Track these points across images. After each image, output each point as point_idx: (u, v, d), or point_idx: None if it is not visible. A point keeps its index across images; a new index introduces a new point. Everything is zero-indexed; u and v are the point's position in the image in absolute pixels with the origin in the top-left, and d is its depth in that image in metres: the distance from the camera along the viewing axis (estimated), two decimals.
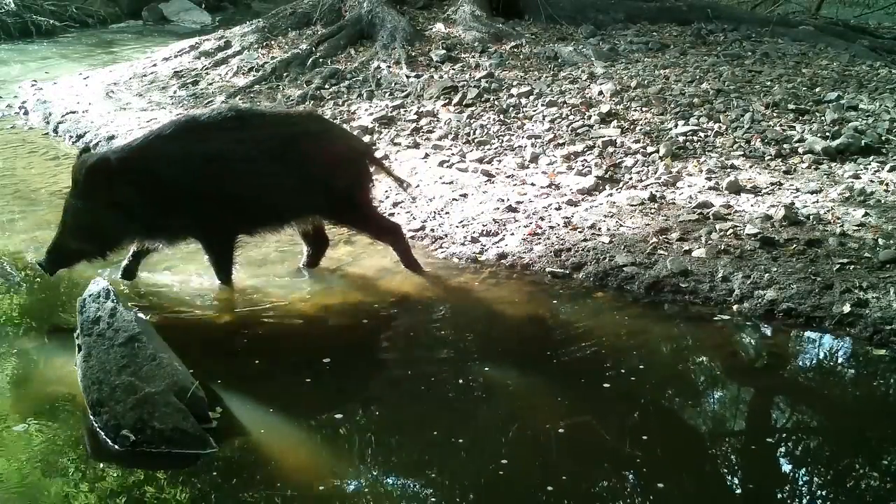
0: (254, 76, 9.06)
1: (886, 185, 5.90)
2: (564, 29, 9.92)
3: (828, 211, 5.53)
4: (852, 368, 4.40)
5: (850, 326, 4.44)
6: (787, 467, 3.59)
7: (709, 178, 6.13)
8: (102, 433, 3.48)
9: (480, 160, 6.66)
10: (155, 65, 10.23)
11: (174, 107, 8.49)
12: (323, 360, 4.19)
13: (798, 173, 6.22)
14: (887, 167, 6.15)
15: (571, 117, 7.20)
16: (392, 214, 5.97)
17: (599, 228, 5.49)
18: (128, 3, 16.30)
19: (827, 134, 6.70)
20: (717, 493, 3.44)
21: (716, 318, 4.63)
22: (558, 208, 5.82)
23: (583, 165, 6.44)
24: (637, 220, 5.57)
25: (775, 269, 4.86)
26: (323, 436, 3.67)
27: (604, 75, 8.14)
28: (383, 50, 9.13)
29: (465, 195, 6.10)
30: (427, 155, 6.84)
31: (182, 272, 5.11)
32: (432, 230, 5.71)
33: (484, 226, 5.65)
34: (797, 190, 5.93)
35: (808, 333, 4.55)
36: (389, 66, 8.72)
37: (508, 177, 6.39)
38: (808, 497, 3.42)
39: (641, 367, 4.20)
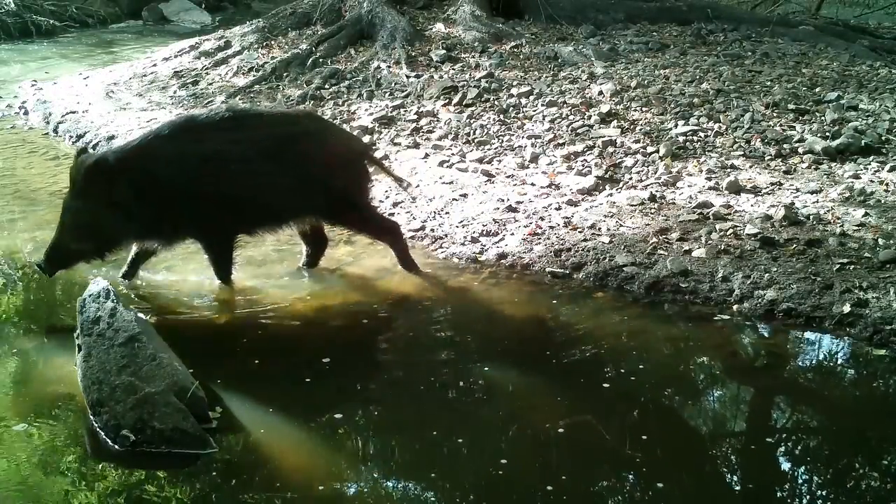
0: (254, 76, 9.06)
1: (886, 185, 5.90)
2: (564, 29, 9.92)
3: (828, 211, 5.53)
4: (852, 368, 4.40)
5: (850, 326, 4.44)
6: (786, 467, 3.59)
7: (709, 178, 6.13)
8: (102, 433, 3.48)
9: (480, 160, 6.66)
10: (155, 65, 10.23)
11: (174, 107, 8.49)
12: (323, 360, 4.19)
13: (798, 173, 6.22)
14: (887, 167, 6.15)
15: (571, 117, 7.20)
16: (392, 214, 5.97)
17: (599, 228, 5.49)
18: (128, 3, 16.31)
19: (827, 134, 6.70)
20: (717, 492, 3.44)
21: (716, 318, 4.63)
22: (558, 208, 5.82)
23: (583, 165, 6.44)
24: (637, 220, 5.57)
25: (775, 269, 4.86)
26: (323, 436, 3.67)
27: (604, 75, 8.14)
28: (383, 50, 9.13)
29: (465, 195, 6.10)
30: (427, 155, 6.84)
31: (181, 272, 5.11)
32: (432, 230, 5.71)
33: (484, 226, 5.65)
34: (797, 190, 5.93)
35: (808, 333, 4.55)
36: (389, 66, 8.72)
37: (508, 177, 6.39)
38: (807, 497, 3.42)
39: (641, 367, 4.20)
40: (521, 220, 5.69)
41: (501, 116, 7.38)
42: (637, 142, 6.72)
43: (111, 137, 7.70)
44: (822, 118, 7.04)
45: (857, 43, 9.58)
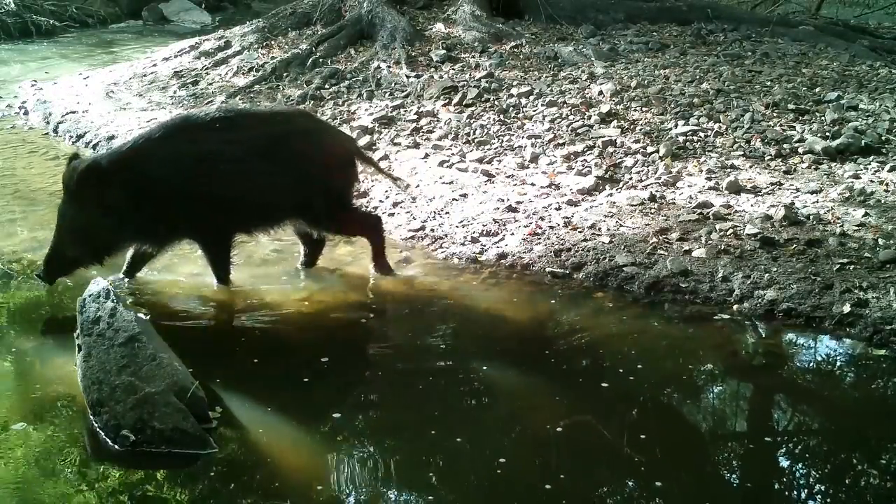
0: (254, 76, 9.06)
1: (886, 185, 5.90)
2: (564, 29, 9.92)
3: (828, 211, 5.53)
4: (852, 368, 4.40)
5: (850, 326, 4.44)
6: (786, 467, 3.59)
7: (709, 178, 6.13)
8: (102, 433, 3.48)
9: (480, 160, 6.66)
10: (155, 65, 10.24)
11: (174, 107, 8.49)
12: (322, 360, 4.19)
13: (798, 173, 6.22)
14: (887, 167, 6.15)
15: (571, 117, 7.20)
16: (392, 214, 5.98)
17: (599, 228, 5.49)
18: (128, 3, 16.31)
19: (827, 134, 6.70)
20: (717, 492, 3.44)
21: (716, 318, 4.63)
22: (558, 208, 5.82)
23: (583, 165, 6.44)
24: (637, 220, 5.58)
25: (775, 269, 4.86)
26: (322, 435, 3.67)
27: (604, 75, 8.14)
28: (383, 50, 9.13)
29: (465, 195, 6.10)
30: (427, 155, 6.84)
31: (181, 272, 5.11)
32: (432, 230, 5.71)
33: (484, 226, 5.65)
34: (797, 190, 5.93)
35: (808, 333, 4.55)
36: (389, 66, 8.72)
37: (508, 177, 6.39)
38: (807, 497, 3.42)
39: (641, 367, 4.20)
40: (521, 220, 5.69)
41: (501, 116, 7.38)
42: (637, 142, 6.72)
43: (111, 137, 7.70)
44: (822, 118, 7.04)
45: (857, 43, 9.58)
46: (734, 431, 3.95)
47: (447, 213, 5.90)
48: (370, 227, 5.14)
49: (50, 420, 3.68)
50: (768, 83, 7.89)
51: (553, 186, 6.17)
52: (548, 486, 3.30)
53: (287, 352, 4.34)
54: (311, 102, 8.17)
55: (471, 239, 5.52)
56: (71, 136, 8.14)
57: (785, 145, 6.59)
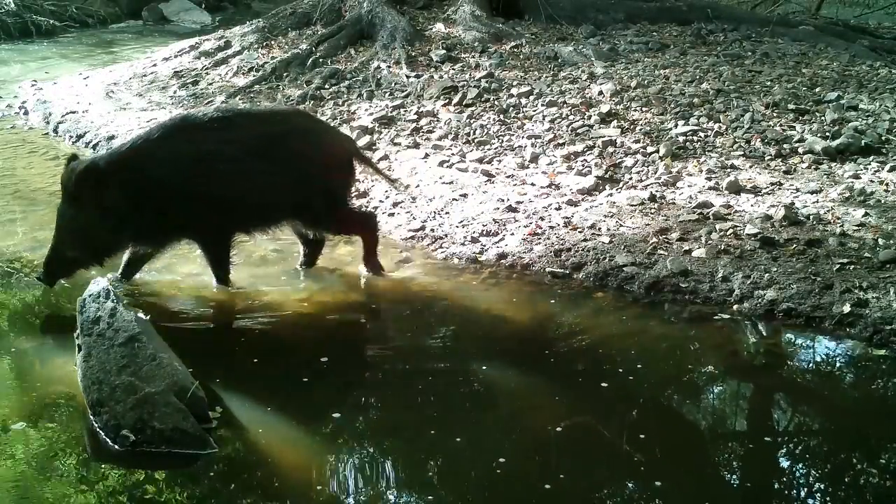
0: (254, 76, 9.06)
1: (886, 185, 5.90)
2: (564, 29, 9.93)
3: (828, 211, 5.53)
4: (852, 368, 4.40)
5: (850, 326, 4.44)
6: (786, 467, 3.59)
7: (709, 178, 6.13)
8: (102, 433, 3.48)
9: (480, 160, 6.66)
10: (155, 65, 10.24)
11: (174, 107, 8.49)
12: (321, 360, 4.19)
13: (798, 173, 6.22)
14: (887, 167, 6.15)
15: (571, 117, 7.20)
16: (392, 214, 5.98)
17: (599, 228, 5.49)
18: (128, 3, 16.32)
19: (827, 134, 6.70)
20: (717, 492, 3.44)
21: (716, 318, 4.63)
22: (558, 208, 5.82)
23: (583, 165, 6.44)
24: (637, 220, 5.58)
25: (775, 269, 4.86)
26: (322, 435, 3.67)
27: (604, 75, 8.14)
28: (383, 50, 9.13)
29: (465, 195, 6.10)
30: (427, 155, 6.84)
31: (180, 272, 5.11)
32: (432, 230, 5.71)
33: (484, 226, 5.65)
34: (797, 190, 5.93)
35: (808, 333, 4.54)
36: (389, 66, 8.72)
37: (508, 177, 6.39)
38: (807, 497, 3.42)
39: (641, 367, 4.20)
40: (521, 220, 5.69)
41: (501, 116, 7.38)
42: (637, 142, 6.72)
43: (111, 137, 7.70)
44: (822, 118, 7.04)
45: (857, 43, 9.58)
46: (734, 431, 3.95)
47: (447, 213, 5.90)
48: (366, 225, 5.14)
49: (50, 420, 3.68)
50: (768, 83, 7.89)
51: (553, 186, 6.17)
52: (547, 486, 3.30)
53: (287, 352, 4.35)
54: (311, 102, 8.17)
55: (471, 239, 5.52)
56: (71, 136, 8.14)
57: (785, 145, 6.59)
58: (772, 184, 6.02)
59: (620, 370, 4.15)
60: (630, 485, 3.42)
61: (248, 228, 4.92)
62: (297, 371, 4.08)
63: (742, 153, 6.53)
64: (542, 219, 5.68)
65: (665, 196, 5.90)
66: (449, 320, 4.70)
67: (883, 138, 6.64)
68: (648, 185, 6.06)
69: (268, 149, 4.61)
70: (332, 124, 7.51)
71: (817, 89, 7.72)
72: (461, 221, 5.75)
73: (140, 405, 3.45)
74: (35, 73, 10.99)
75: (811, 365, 4.45)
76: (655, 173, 6.24)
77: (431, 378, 4.12)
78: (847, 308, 4.49)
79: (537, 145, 6.82)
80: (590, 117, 7.16)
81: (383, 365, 4.37)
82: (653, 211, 5.70)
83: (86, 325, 3.77)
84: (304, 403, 3.86)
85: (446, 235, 5.62)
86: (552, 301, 4.86)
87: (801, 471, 3.57)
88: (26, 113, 9.06)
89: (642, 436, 3.62)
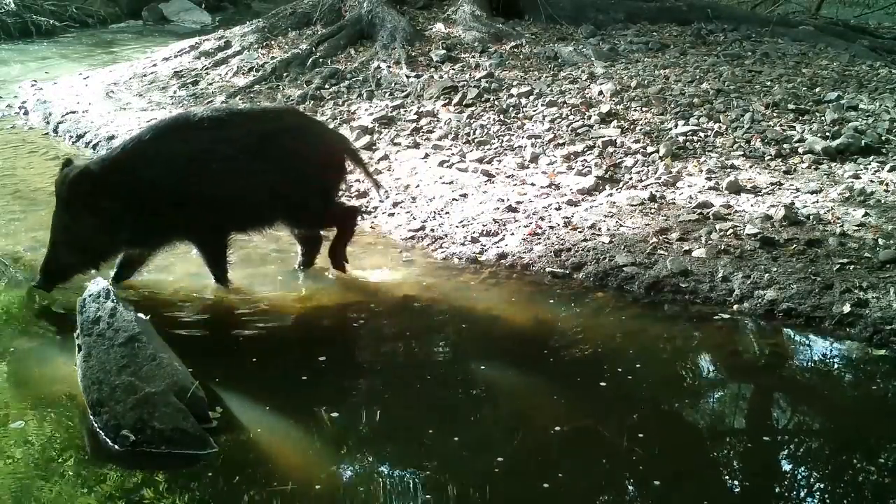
0: (254, 76, 9.07)
1: (886, 185, 5.90)
2: (564, 29, 9.93)
3: (828, 211, 5.53)
4: (852, 368, 4.39)
5: (850, 326, 4.44)
6: (786, 467, 3.59)
7: (709, 178, 6.13)
8: (102, 433, 3.48)
9: (480, 160, 6.66)
10: (155, 65, 10.24)
11: (174, 107, 8.49)
12: (321, 360, 4.19)
13: (798, 173, 6.22)
14: (887, 167, 6.15)
15: (571, 117, 7.21)
16: (392, 214, 5.98)
17: (599, 228, 5.49)
18: (128, 3, 16.32)
19: (827, 134, 6.71)
20: (717, 492, 3.43)
21: (716, 318, 4.63)
22: (558, 208, 5.82)
23: (583, 165, 6.44)
24: (637, 220, 5.58)
25: (775, 269, 4.86)
26: (322, 435, 3.67)
27: (604, 75, 8.14)
28: (383, 50, 9.13)
29: (465, 195, 6.10)
30: (427, 155, 6.84)
31: (180, 272, 5.10)
32: (432, 230, 5.71)
33: (484, 226, 5.65)
34: (797, 190, 5.93)
35: (808, 333, 4.55)
36: (389, 66, 8.72)
37: (508, 177, 6.39)
38: (807, 497, 3.42)
39: (641, 367, 4.20)
40: (521, 220, 5.69)
41: (501, 116, 7.38)
42: (637, 142, 6.72)
43: (111, 137, 7.70)
44: (822, 118, 7.04)
45: (857, 43, 9.59)
46: (734, 431, 3.94)
47: (447, 213, 5.90)
48: (350, 220, 5.14)
49: (50, 420, 3.68)
50: (768, 83, 7.89)
51: (553, 186, 6.17)
52: (546, 485, 3.30)
53: (286, 351, 4.35)
54: (311, 102, 8.17)
55: (471, 239, 5.52)
56: (71, 136, 8.13)
57: (785, 145, 6.59)
58: (772, 184, 6.03)
59: (620, 370, 4.15)
60: (629, 484, 3.42)
61: (243, 228, 4.92)
62: (296, 371, 4.08)
63: (742, 153, 6.53)
64: (542, 219, 5.68)
65: (665, 196, 5.90)
66: (448, 320, 4.69)
67: (883, 138, 6.65)
68: (648, 185, 6.06)
69: (260, 147, 4.61)
70: (329, 124, 7.54)
71: (817, 89, 7.72)
72: (461, 221, 5.75)
73: (140, 405, 3.45)
74: (35, 73, 10.99)
75: (811, 365, 4.45)
76: (655, 173, 6.24)
77: (430, 378, 4.13)
78: (847, 308, 4.49)
79: (537, 145, 6.82)
80: (590, 117, 7.16)
81: (382, 365, 4.37)
82: (653, 211, 5.70)
83: (86, 325, 3.77)
84: (304, 403, 3.86)
85: (446, 235, 5.62)
86: (552, 301, 4.86)
87: (800, 471, 3.57)
88: (26, 113, 9.06)
89: (641, 435, 3.62)
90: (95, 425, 3.52)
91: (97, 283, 4.00)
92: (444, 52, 9.01)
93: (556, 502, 3.26)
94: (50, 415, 3.71)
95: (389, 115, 7.61)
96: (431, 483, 3.42)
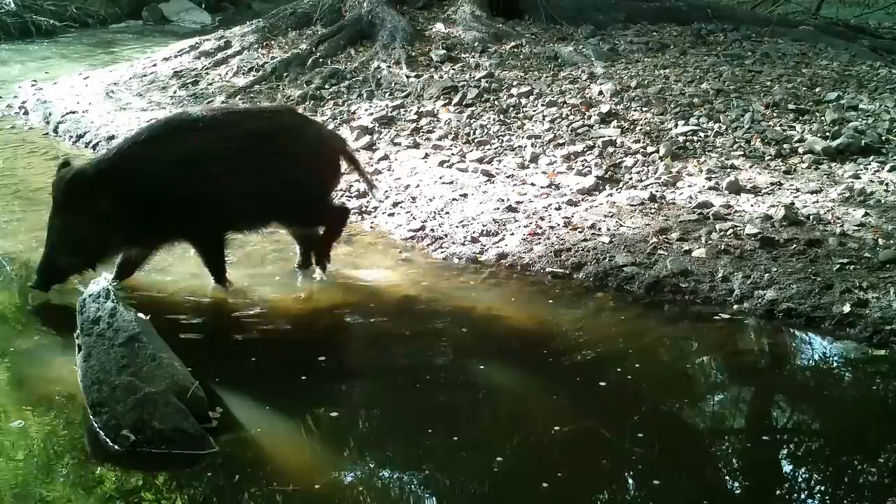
0: (254, 76, 9.06)
1: (886, 185, 5.90)
2: (564, 29, 9.92)
3: (828, 211, 5.53)
4: (852, 368, 4.40)
5: (850, 326, 4.44)
6: (786, 467, 3.59)
7: (709, 178, 6.13)
8: (102, 433, 3.47)
9: (480, 160, 6.66)
10: (155, 65, 10.23)
11: (174, 107, 8.48)
12: (321, 360, 4.20)
13: (798, 173, 6.22)
14: (887, 167, 6.16)
15: (571, 117, 7.21)
16: (392, 214, 5.98)
17: (599, 228, 5.49)
18: (128, 3, 16.30)
19: (827, 134, 6.71)
20: (716, 492, 3.44)
21: (716, 318, 4.63)
22: (558, 208, 5.82)
23: (583, 165, 6.44)
24: (637, 220, 5.58)
25: (775, 269, 4.86)
26: (322, 435, 3.67)
27: (604, 75, 8.14)
28: (383, 50, 9.12)
29: (465, 195, 6.10)
30: (427, 155, 6.84)
31: (180, 272, 5.10)
32: (432, 230, 5.70)
33: (484, 226, 5.65)
34: (797, 190, 5.93)
35: (808, 333, 4.55)
36: (389, 66, 8.72)
37: (508, 177, 6.39)
38: (806, 497, 3.42)
39: (641, 367, 4.20)
40: (521, 220, 5.69)
41: (501, 116, 7.38)
42: (637, 142, 6.73)
43: (111, 137, 7.69)
44: (822, 118, 7.04)
45: (857, 43, 9.59)
46: (734, 431, 3.94)
47: (447, 213, 5.90)
48: (340, 220, 5.15)
49: (50, 420, 3.68)
50: (768, 83, 7.89)
51: (553, 186, 6.17)
52: (545, 485, 3.30)
53: (286, 352, 4.34)
54: (311, 102, 8.17)
55: (471, 239, 5.52)
56: (71, 136, 8.13)
57: (785, 145, 6.59)
58: (772, 184, 6.03)
59: (620, 370, 4.15)
60: (628, 484, 3.42)
61: (239, 228, 4.92)
62: (296, 371, 4.08)
63: (742, 153, 6.53)
64: (542, 219, 5.68)
65: (665, 196, 5.90)
66: (448, 320, 4.69)
67: (883, 138, 6.65)
68: (648, 185, 6.06)
69: (256, 147, 4.61)
70: (329, 124, 7.55)
71: (817, 89, 7.72)
72: (461, 221, 5.75)
73: (140, 405, 3.45)
74: (35, 73, 10.98)
75: (811, 365, 4.45)
76: (655, 173, 6.24)
77: (430, 378, 4.13)
78: (847, 308, 4.49)
79: (537, 145, 6.82)
80: (590, 117, 7.16)
81: (382, 365, 4.37)
82: (653, 211, 5.70)
83: (86, 325, 3.77)
84: (304, 403, 3.86)
85: (446, 235, 5.62)
86: (552, 301, 4.86)
87: (800, 471, 3.57)
88: (26, 113, 9.06)
89: (641, 435, 3.62)
90: (95, 425, 3.52)
91: (97, 283, 4.00)
92: (444, 52, 9.00)
93: (555, 502, 3.26)
94: (50, 415, 3.71)
95: (389, 115, 7.61)
96: (431, 483, 3.43)
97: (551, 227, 5.56)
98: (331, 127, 7.49)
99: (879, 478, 3.47)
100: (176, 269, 5.14)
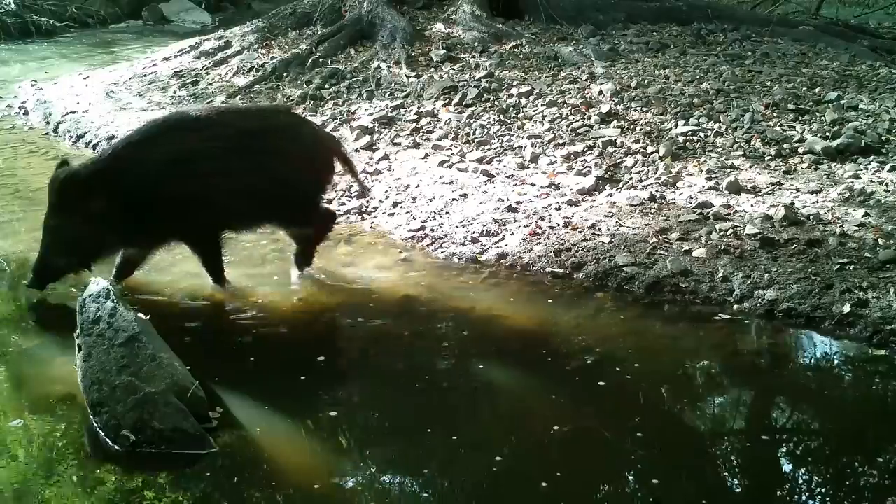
0: (254, 76, 9.06)
1: (886, 185, 5.90)
2: (564, 29, 9.92)
3: (828, 211, 5.53)
4: (852, 368, 4.40)
5: (850, 326, 4.44)
6: (786, 467, 3.59)
7: (709, 178, 6.13)
8: (102, 433, 3.48)
9: (480, 160, 6.66)
10: (155, 65, 10.24)
11: (174, 107, 8.48)
12: (320, 360, 4.20)
13: (798, 173, 6.23)
14: (887, 167, 6.15)
15: (571, 117, 7.20)
16: (392, 214, 5.98)
17: (599, 228, 5.49)
18: (128, 3, 16.30)
19: (827, 134, 6.71)
20: (715, 491, 3.44)
21: (716, 318, 4.63)
22: (558, 208, 5.82)
23: (583, 165, 6.44)
24: (637, 220, 5.58)
25: (775, 269, 4.86)
26: (322, 435, 3.67)
27: (604, 75, 8.14)
28: (383, 50, 9.12)
29: (465, 195, 6.10)
30: (427, 155, 6.84)
31: (179, 272, 5.10)
32: (432, 230, 5.70)
33: (484, 226, 5.65)
34: (797, 190, 5.93)
35: (808, 333, 4.55)
36: (389, 66, 8.72)
37: (508, 177, 6.39)
38: (806, 497, 3.42)
39: (641, 367, 4.20)
40: (521, 220, 5.69)
41: (501, 116, 7.38)
42: (637, 142, 6.73)
43: (111, 137, 7.68)
44: (822, 118, 7.04)
45: (857, 43, 9.59)
46: (734, 431, 3.95)
47: (447, 213, 5.90)
48: (329, 222, 5.15)
49: (50, 420, 3.68)
50: (768, 83, 7.89)
51: (553, 186, 6.17)
52: (544, 484, 3.30)
53: (286, 352, 4.35)
54: (311, 102, 8.17)
55: (471, 239, 5.52)
56: (71, 136, 8.13)
57: (785, 145, 6.59)
58: (772, 184, 6.03)
59: (619, 370, 4.15)
60: (628, 483, 3.42)
61: (234, 227, 4.91)
62: (295, 371, 4.08)
63: (742, 153, 6.53)
64: (542, 219, 5.68)
65: (665, 196, 5.90)
66: (448, 320, 4.69)
67: (883, 138, 6.65)
68: (648, 185, 6.06)
69: (250, 147, 4.61)
70: (329, 123, 7.55)
71: (817, 89, 7.72)
72: (461, 221, 5.75)
73: (140, 405, 3.45)
74: (35, 73, 10.99)
75: (811, 365, 4.44)
76: (655, 173, 6.24)
77: (430, 377, 4.13)
78: (847, 308, 4.49)
79: (537, 145, 6.82)
80: (590, 117, 7.16)
81: (381, 365, 4.37)
82: (653, 211, 5.70)
83: (86, 325, 3.77)
84: (303, 403, 3.87)
85: (446, 235, 5.62)
86: (552, 301, 4.86)
87: (800, 470, 3.57)
88: (26, 113, 9.06)
89: (640, 435, 3.62)
90: (95, 425, 3.52)
91: (97, 283, 4.00)
92: (444, 52, 9.00)
93: (555, 502, 3.26)
94: (50, 415, 3.71)
95: (389, 115, 7.61)
96: (430, 483, 3.43)
97: (551, 227, 5.56)
98: (331, 127, 7.51)
99: (879, 478, 3.47)
100: (176, 268, 5.14)
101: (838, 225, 5.32)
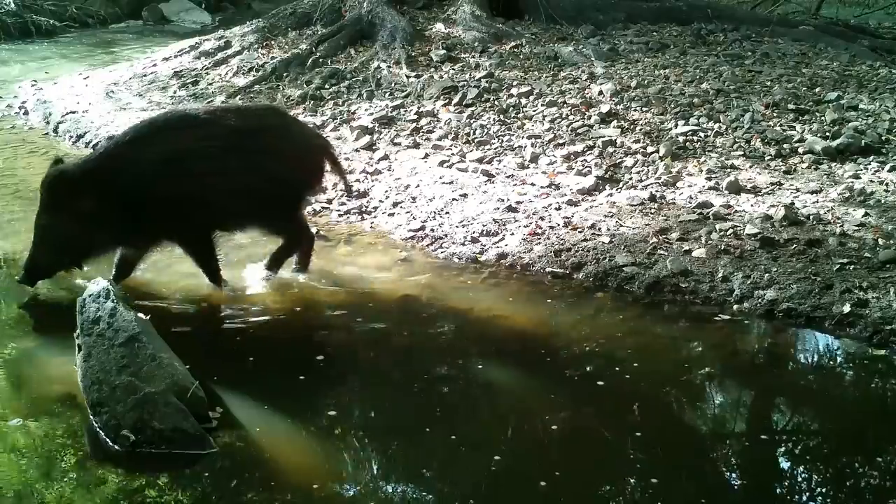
0: (254, 76, 9.06)
1: (886, 185, 5.90)
2: (564, 29, 9.92)
3: (828, 211, 5.53)
4: (852, 368, 4.40)
5: (850, 326, 4.44)
6: (785, 467, 3.59)
7: (709, 178, 6.13)
8: (102, 433, 3.48)
9: (480, 160, 6.66)
10: (155, 65, 10.23)
11: (174, 107, 8.48)
12: (318, 359, 4.20)
13: (798, 173, 6.23)
14: (887, 167, 6.16)
15: (571, 117, 7.20)
16: (392, 214, 5.98)
17: (599, 228, 5.49)
18: (128, 3, 16.30)
19: (827, 134, 6.71)
20: (714, 491, 3.43)
21: (716, 318, 4.63)
22: (558, 208, 5.82)
23: (583, 165, 6.44)
24: (637, 220, 5.58)
25: (775, 269, 4.86)
26: (321, 434, 3.67)
27: (604, 75, 8.14)
28: (383, 50, 9.12)
29: (465, 195, 6.10)
30: (427, 155, 6.84)
31: (178, 272, 5.10)
32: (432, 230, 5.70)
33: (484, 226, 5.65)
34: (797, 190, 5.93)
35: (808, 333, 4.55)
36: (389, 66, 8.72)
37: (508, 177, 6.39)
38: (806, 497, 3.42)
39: (641, 366, 4.20)
40: (521, 220, 5.69)
41: (501, 116, 7.38)
42: (637, 142, 6.73)
43: (111, 137, 7.68)
44: (822, 118, 7.04)
45: (857, 43, 9.59)
46: (733, 431, 3.95)
47: (447, 213, 5.90)
48: (307, 231, 5.14)
49: (50, 420, 3.67)
50: (768, 83, 7.89)
51: (553, 186, 6.17)
52: (544, 484, 3.30)
53: (286, 352, 4.35)
54: (311, 102, 8.17)
55: (471, 239, 5.52)
56: (71, 136, 8.13)
57: (785, 145, 6.59)
58: (772, 184, 6.03)
59: (619, 370, 4.15)
60: (627, 483, 3.42)
61: (226, 227, 4.90)
62: (295, 371, 4.08)
63: (742, 153, 6.53)
64: (542, 219, 5.68)
65: (665, 196, 5.90)
66: (448, 320, 4.70)
67: (883, 138, 6.65)
68: (648, 185, 6.06)
69: (240, 146, 4.60)
70: (329, 123, 7.55)
71: (817, 89, 7.72)
72: (461, 221, 5.75)
73: (140, 405, 3.45)
74: (35, 73, 10.98)
75: (811, 365, 4.45)
76: (655, 173, 6.24)
77: (429, 377, 4.13)
78: (847, 308, 4.49)
79: (537, 145, 6.82)
80: (590, 117, 7.16)
81: (381, 364, 4.37)
82: (653, 211, 5.70)
83: (86, 325, 3.77)
84: (303, 403, 3.86)
85: (446, 235, 5.62)
86: (552, 301, 4.86)
87: (799, 470, 3.57)
88: (26, 113, 9.06)
89: (640, 434, 3.62)
90: (95, 425, 3.52)
91: (97, 282, 4.00)
92: (444, 52, 9.00)
93: (554, 501, 3.26)
94: (50, 415, 3.71)
95: (389, 115, 7.61)
96: (430, 482, 3.43)
97: (551, 227, 5.56)
98: (331, 127, 7.51)
99: (880, 478, 3.47)
100: (176, 268, 5.14)
101: (838, 225, 5.32)
